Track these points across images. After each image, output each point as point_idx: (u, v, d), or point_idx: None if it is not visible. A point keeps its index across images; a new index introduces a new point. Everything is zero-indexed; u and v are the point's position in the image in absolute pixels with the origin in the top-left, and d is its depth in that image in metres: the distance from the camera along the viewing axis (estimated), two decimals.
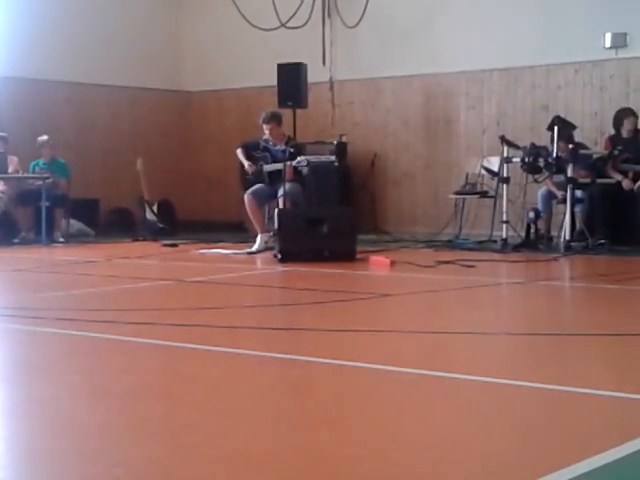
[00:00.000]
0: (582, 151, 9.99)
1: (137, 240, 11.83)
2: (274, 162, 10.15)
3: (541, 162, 9.76)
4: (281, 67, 12.25)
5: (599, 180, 9.89)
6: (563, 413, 3.33)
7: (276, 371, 4.16)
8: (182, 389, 3.73)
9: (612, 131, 10.64)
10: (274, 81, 12.25)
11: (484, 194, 11.10)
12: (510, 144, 10.09)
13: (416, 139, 12.83)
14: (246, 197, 10.18)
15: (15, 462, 2.82)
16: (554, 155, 9.68)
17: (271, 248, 9.60)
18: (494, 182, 10.54)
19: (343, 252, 8.83)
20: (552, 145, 9.77)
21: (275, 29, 13.14)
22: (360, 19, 12.90)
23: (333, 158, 10.32)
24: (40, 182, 11.42)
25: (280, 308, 6.27)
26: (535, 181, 10.08)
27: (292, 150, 9.97)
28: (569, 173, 9.69)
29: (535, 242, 9.90)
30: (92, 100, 13.58)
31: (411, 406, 3.47)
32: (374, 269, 8.38)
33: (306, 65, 12.31)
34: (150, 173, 12.69)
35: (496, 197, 10.34)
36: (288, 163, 9.75)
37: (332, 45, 13.36)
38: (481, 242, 10.34)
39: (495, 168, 10.54)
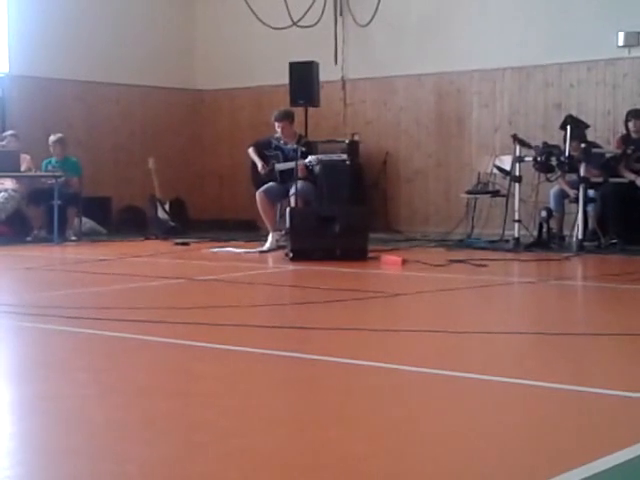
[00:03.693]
0: (595, 150, 9.94)
1: (149, 238, 11.84)
2: (286, 161, 10.14)
3: (553, 161, 9.73)
4: (293, 66, 12.24)
5: (612, 179, 9.85)
6: (575, 413, 3.31)
7: (287, 369, 4.15)
8: (192, 387, 3.73)
9: (625, 130, 10.60)
10: (286, 80, 12.24)
11: (496, 193, 11.07)
12: (522, 143, 10.06)
13: (428, 138, 12.81)
14: (258, 195, 10.18)
15: (27, 459, 2.83)
16: (566, 154, 9.65)
17: (283, 247, 9.59)
18: (506, 181, 10.51)
19: (355, 251, 8.82)
20: (564, 144, 9.73)
21: (287, 28, 13.14)
22: (372, 18, 12.89)
23: (345, 157, 10.32)
24: (52, 180, 11.42)
25: (291, 307, 6.27)
26: (547, 180, 10.06)
27: (304, 149, 9.96)
28: (582, 172, 9.66)
29: (547, 241, 9.87)
30: (104, 98, 13.60)
31: (422, 405, 3.47)
32: (386, 268, 8.37)
33: (318, 64, 12.30)
34: (162, 171, 12.70)
35: (508, 196, 10.31)
36: (300, 161, 9.75)
37: (344, 44, 13.34)
38: (493, 241, 10.33)
39: (507, 167, 10.51)
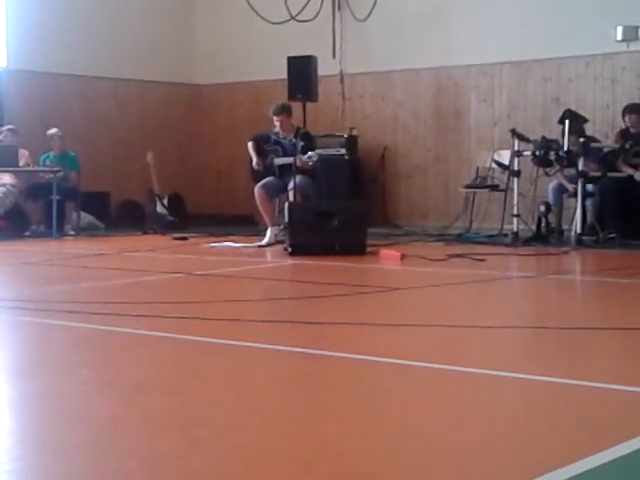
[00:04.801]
0: (593, 144, 9.95)
1: (147, 233, 11.84)
2: (285, 155, 10.13)
3: (552, 155, 9.72)
4: (291, 60, 12.23)
5: (610, 174, 9.86)
6: (575, 407, 3.31)
7: (286, 364, 4.15)
8: (192, 383, 3.72)
9: (623, 124, 10.60)
10: (284, 74, 12.24)
11: (495, 188, 11.08)
12: (521, 137, 10.06)
13: (427, 132, 12.81)
14: (256, 190, 10.17)
15: (26, 455, 2.82)
16: (565, 148, 9.65)
17: (281, 241, 9.59)
18: (505, 175, 10.51)
19: (353, 245, 8.82)
20: (563, 138, 9.73)
21: (285, 22, 13.13)
22: (370, 12, 12.88)
23: (343, 151, 10.34)
24: (50, 175, 11.43)
25: (290, 301, 6.27)
26: (546, 174, 10.05)
27: (303, 144, 9.95)
28: (580, 166, 9.66)
29: (546, 236, 9.87)
30: (102, 93, 13.59)
31: (421, 400, 3.46)
32: (384, 263, 8.37)
33: (316, 58, 12.30)
34: (160, 166, 12.69)
35: (507, 191, 10.31)
36: (299, 157, 9.74)
37: (342, 38, 13.33)
38: (492, 236, 10.33)
39: (506, 161, 10.51)
